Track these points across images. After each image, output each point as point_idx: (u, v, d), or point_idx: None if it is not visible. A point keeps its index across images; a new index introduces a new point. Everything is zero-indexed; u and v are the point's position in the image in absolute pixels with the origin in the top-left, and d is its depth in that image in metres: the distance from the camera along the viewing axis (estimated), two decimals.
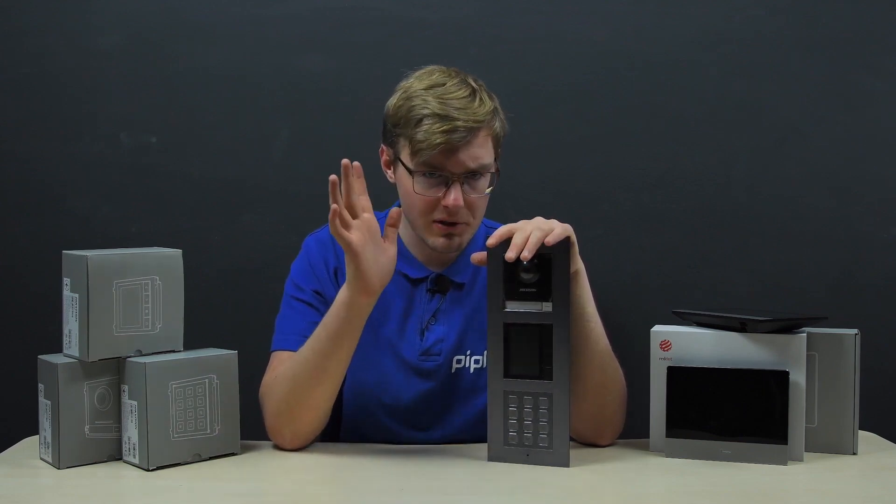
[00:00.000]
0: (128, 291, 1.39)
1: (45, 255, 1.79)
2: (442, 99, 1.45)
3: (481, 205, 1.52)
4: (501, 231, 1.36)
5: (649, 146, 1.98)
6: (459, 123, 1.44)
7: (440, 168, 1.46)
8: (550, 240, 1.33)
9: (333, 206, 1.33)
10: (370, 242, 1.37)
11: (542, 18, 1.97)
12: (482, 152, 1.47)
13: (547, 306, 1.37)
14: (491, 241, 1.36)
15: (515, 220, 1.38)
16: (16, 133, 1.99)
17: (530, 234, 1.33)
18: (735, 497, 1.28)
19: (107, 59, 1.98)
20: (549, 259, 1.36)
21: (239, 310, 1.98)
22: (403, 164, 1.49)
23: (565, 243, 1.35)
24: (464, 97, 1.46)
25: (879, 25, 1.96)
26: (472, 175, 1.47)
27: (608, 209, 1.99)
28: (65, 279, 1.40)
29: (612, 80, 1.98)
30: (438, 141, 1.43)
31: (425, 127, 1.44)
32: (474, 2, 1.97)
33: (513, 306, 1.38)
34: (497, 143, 1.52)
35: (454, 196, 1.46)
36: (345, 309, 1.40)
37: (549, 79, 1.98)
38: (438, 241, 1.51)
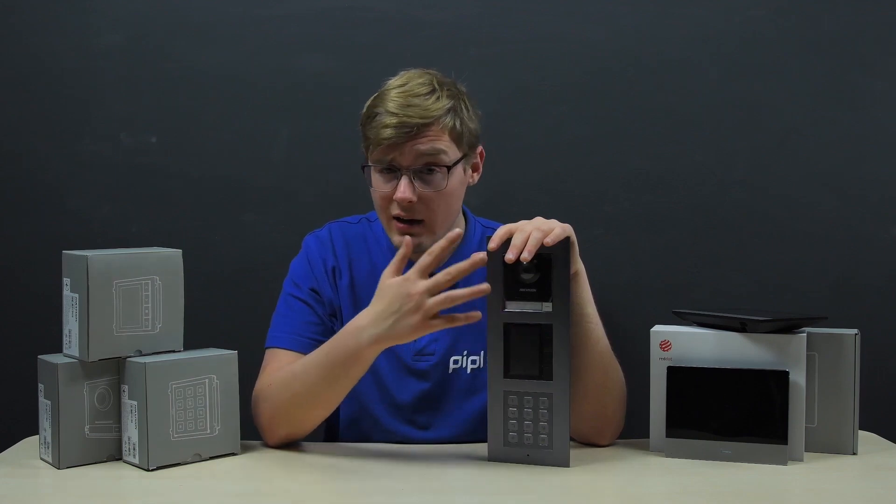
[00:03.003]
0: (128, 291, 1.39)
1: (45, 255, 1.79)
2: (398, 97, 1.48)
3: (440, 202, 1.50)
4: (501, 232, 1.36)
5: (649, 146, 1.98)
6: (406, 119, 1.46)
7: (388, 161, 1.48)
8: (550, 240, 1.33)
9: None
10: None
11: (542, 18, 1.97)
12: (433, 146, 1.48)
13: (547, 306, 1.37)
14: (492, 244, 1.36)
15: (515, 220, 1.37)
16: (16, 133, 1.99)
17: (530, 234, 1.33)
18: (735, 497, 1.28)
19: (107, 59, 1.98)
20: (549, 259, 1.36)
21: (239, 310, 1.98)
22: (366, 161, 1.52)
23: (565, 243, 1.35)
24: (420, 94, 1.49)
25: (879, 25, 1.96)
26: (423, 169, 1.48)
27: (608, 209, 1.99)
28: (65, 279, 1.40)
29: (612, 80, 1.98)
30: (385, 135, 1.46)
31: (376, 122, 1.48)
32: (474, 2, 1.97)
33: (513, 306, 1.38)
34: (458, 140, 1.51)
35: (402, 189, 1.47)
36: (364, 357, 1.38)
37: (549, 79, 1.98)
38: (396, 240, 1.52)
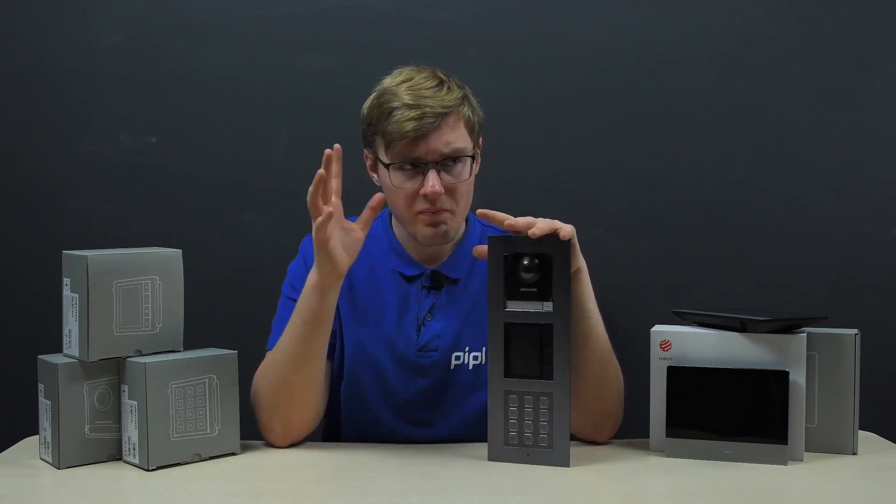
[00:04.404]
0: (128, 291, 1.39)
1: (45, 255, 1.79)
2: (410, 90, 1.48)
3: (464, 191, 1.52)
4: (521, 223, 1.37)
5: (649, 146, 1.98)
6: (427, 109, 1.46)
7: (415, 157, 1.48)
8: (564, 235, 1.34)
9: (321, 171, 1.35)
10: (337, 225, 1.39)
11: (542, 18, 1.97)
12: (455, 136, 1.48)
13: (547, 306, 1.37)
14: (509, 222, 1.36)
15: None
16: (16, 133, 1.99)
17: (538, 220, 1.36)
18: (735, 497, 1.28)
19: (107, 59, 1.98)
20: (550, 259, 1.36)
21: (239, 310, 1.98)
22: (381, 161, 1.51)
23: (566, 243, 1.35)
24: (431, 87, 1.49)
25: (879, 25, 1.96)
26: (447, 161, 1.49)
27: (608, 209, 1.99)
28: (65, 279, 1.40)
29: (612, 80, 1.98)
30: (409, 129, 1.45)
31: (396, 117, 1.47)
32: (474, 2, 1.97)
33: (513, 306, 1.38)
34: (472, 129, 1.52)
35: (431, 183, 1.47)
36: (316, 291, 1.42)
37: (549, 79, 1.98)
38: (425, 232, 1.52)
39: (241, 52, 1.98)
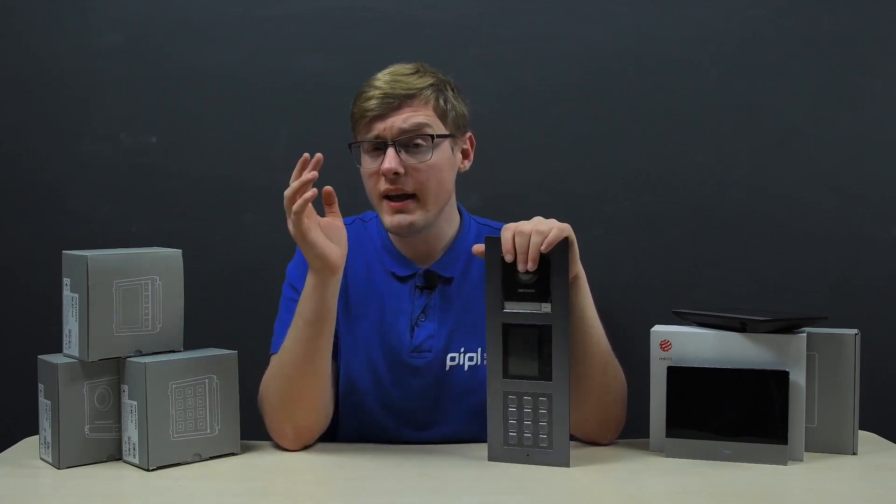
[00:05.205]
0: (128, 291, 1.39)
1: (45, 255, 1.79)
2: (383, 76, 1.51)
3: (430, 175, 1.50)
4: (507, 236, 1.36)
5: (649, 146, 1.98)
6: (389, 90, 1.48)
7: (374, 135, 1.49)
8: (544, 248, 1.33)
9: (314, 174, 1.37)
10: (314, 224, 1.40)
11: (542, 18, 1.97)
12: (417, 117, 1.49)
13: (546, 307, 1.37)
14: (507, 257, 1.36)
15: (515, 221, 1.37)
16: (16, 133, 1.99)
17: (530, 237, 1.34)
18: (735, 497, 1.28)
19: (107, 59, 1.98)
20: (548, 260, 1.36)
21: (239, 310, 1.98)
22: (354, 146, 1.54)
23: (563, 243, 1.35)
24: (404, 74, 1.51)
25: (879, 25, 1.96)
26: (408, 141, 1.49)
27: (608, 209, 1.99)
28: (65, 279, 1.40)
29: (612, 80, 1.98)
30: (369, 106, 1.48)
31: (361, 98, 1.50)
32: (474, 2, 1.97)
33: (512, 307, 1.38)
34: (442, 115, 1.52)
35: (388, 160, 1.47)
36: (316, 290, 1.42)
37: (549, 79, 1.98)
38: (391, 220, 1.51)
39: (241, 52, 1.98)
